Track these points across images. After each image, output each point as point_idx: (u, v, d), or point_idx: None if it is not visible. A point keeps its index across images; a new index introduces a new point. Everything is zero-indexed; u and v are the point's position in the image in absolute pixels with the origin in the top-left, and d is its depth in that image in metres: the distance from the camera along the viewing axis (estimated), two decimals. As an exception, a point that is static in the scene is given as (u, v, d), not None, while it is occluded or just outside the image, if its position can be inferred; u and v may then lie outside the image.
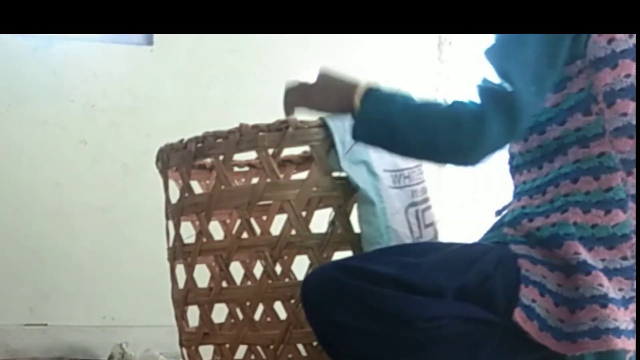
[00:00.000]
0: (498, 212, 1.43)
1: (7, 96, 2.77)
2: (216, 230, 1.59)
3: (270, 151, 1.43)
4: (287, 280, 1.45)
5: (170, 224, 1.64)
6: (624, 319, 1.18)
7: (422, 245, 1.39)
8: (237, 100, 2.91)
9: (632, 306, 1.20)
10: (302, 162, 1.72)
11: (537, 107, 1.24)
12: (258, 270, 1.51)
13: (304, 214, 1.42)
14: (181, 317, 1.65)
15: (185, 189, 1.57)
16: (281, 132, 1.42)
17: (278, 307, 1.54)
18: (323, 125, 1.41)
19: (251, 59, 2.99)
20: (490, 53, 1.23)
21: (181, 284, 1.62)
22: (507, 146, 1.35)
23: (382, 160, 1.42)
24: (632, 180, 1.24)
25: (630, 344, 1.18)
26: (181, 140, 1.56)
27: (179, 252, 1.60)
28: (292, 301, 1.41)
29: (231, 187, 1.49)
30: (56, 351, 2.70)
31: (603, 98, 1.23)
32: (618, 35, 1.24)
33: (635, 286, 1.20)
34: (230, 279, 1.50)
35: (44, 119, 2.79)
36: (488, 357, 1.23)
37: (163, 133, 2.87)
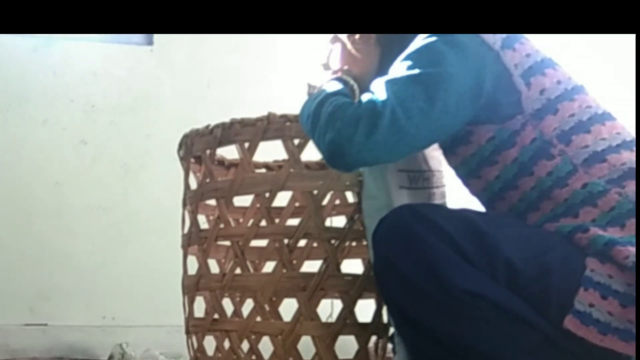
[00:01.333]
0: None
1: (7, 96, 2.77)
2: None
3: (296, 141, 1.45)
4: (301, 271, 1.46)
5: (187, 211, 1.65)
6: None
7: (503, 219, 1.37)
8: (237, 100, 2.91)
9: None
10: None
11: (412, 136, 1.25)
12: (268, 265, 1.53)
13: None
14: (191, 303, 1.64)
15: (207, 174, 1.57)
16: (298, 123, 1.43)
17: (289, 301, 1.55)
18: None
19: (251, 59, 2.99)
20: (390, 82, 1.28)
21: (192, 270, 1.63)
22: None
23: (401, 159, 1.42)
24: (630, 188, 1.25)
25: None
26: (207, 126, 1.57)
27: (194, 238, 1.60)
28: (305, 292, 1.42)
29: (254, 174, 1.50)
30: (56, 351, 2.70)
31: (558, 140, 1.29)
32: (547, 85, 1.30)
33: None
34: (244, 266, 1.50)
35: (44, 119, 2.79)
36: (516, 356, 1.21)
37: (163, 133, 2.89)
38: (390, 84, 1.27)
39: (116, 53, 2.89)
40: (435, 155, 1.49)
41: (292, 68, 3.02)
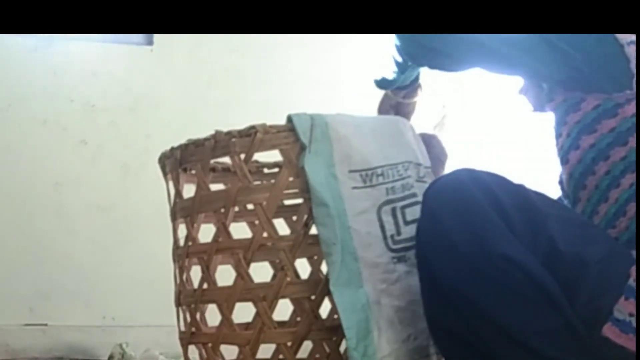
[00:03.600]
0: None
1: (7, 96, 2.77)
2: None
3: (242, 156, 1.46)
4: (257, 281, 1.48)
5: (172, 226, 1.70)
6: None
7: (558, 203, 1.39)
8: (237, 100, 2.91)
9: None
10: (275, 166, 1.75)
11: None
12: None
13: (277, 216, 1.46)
14: (177, 316, 1.70)
15: (177, 194, 1.63)
16: (250, 137, 1.45)
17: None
18: (292, 128, 1.43)
19: (251, 59, 2.99)
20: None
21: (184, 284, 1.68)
22: (578, 203, 1.41)
23: (348, 160, 1.42)
24: None
25: None
26: (171, 148, 1.61)
27: (174, 255, 1.68)
28: (265, 302, 1.44)
29: (209, 192, 1.53)
30: (56, 351, 2.71)
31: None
32: None
33: None
34: (211, 280, 1.54)
35: (44, 119, 2.79)
36: (539, 336, 1.19)
37: (163, 133, 2.89)
38: None
39: (116, 53, 2.89)
40: (403, 147, 1.48)
41: (292, 68, 3.02)
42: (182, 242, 1.64)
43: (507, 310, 1.20)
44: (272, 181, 1.46)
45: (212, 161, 1.54)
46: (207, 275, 1.55)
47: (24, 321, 2.72)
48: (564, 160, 1.43)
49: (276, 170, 1.66)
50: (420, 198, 1.45)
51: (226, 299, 1.49)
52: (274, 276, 1.54)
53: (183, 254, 1.62)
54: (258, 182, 1.68)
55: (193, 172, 1.58)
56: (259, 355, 1.48)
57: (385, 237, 1.41)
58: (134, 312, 2.79)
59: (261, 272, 1.57)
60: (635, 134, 1.32)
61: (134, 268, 2.80)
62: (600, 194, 1.37)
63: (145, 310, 2.78)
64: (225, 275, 1.59)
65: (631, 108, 1.33)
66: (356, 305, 1.36)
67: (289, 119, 1.44)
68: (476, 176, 1.27)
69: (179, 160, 1.58)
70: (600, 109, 1.36)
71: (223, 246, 1.51)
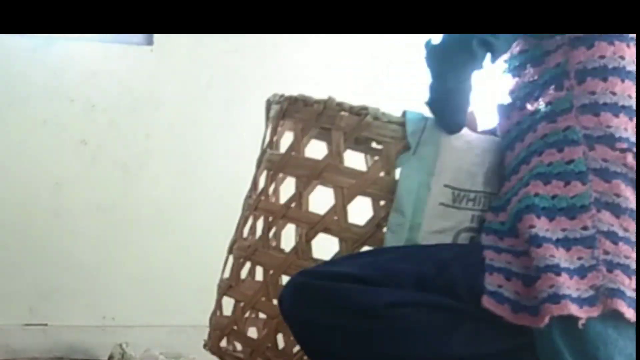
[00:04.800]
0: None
1: (7, 96, 2.77)
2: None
3: (344, 133, 1.41)
4: (310, 260, 1.45)
5: (255, 173, 1.64)
6: (576, 287, 1.20)
7: (386, 247, 1.40)
8: (237, 100, 2.91)
9: (592, 274, 1.21)
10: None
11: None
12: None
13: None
14: (224, 262, 1.69)
15: (270, 144, 1.58)
16: (360, 117, 1.39)
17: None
18: (403, 124, 1.37)
19: (251, 59, 2.99)
20: None
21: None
22: (499, 134, 1.43)
23: (447, 174, 1.36)
24: (592, 154, 1.27)
25: (583, 312, 1.18)
26: (281, 96, 1.55)
27: (245, 203, 1.63)
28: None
29: (299, 156, 1.48)
30: (56, 351, 2.70)
31: (575, 75, 1.31)
32: None
33: (592, 256, 1.22)
34: (266, 242, 1.52)
35: (44, 119, 2.79)
36: (461, 343, 1.24)
37: (163, 133, 2.90)
38: None
39: (116, 53, 2.89)
40: (494, 176, 1.41)
41: (292, 68, 3.02)
42: (255, 193, 1.59)
43: (423, 343, 1.23)
44: (364, 170, 1.41)
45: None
46: (265, 235, 1.51)
47: (24, 321, 2.72)
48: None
49: (377, 158, 1.56)
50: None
51: (274, 267, 1.47)
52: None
53: (252, 206, 1.57)
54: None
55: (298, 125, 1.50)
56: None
57: None
58: (134, 312, 2.79)
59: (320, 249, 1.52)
60: (546, 89, 1.31)
61: (134, 268, 2.80)
62: (509, 141, 1.39)
63: (145, 310, 2.78)
64: (287, 241, 1.55)
65: (557, 56, 1.32)
66: None
67: (404, 114, 1.38)
68: (309, 272, 1.31)
69: (283, 112, 1.52)
70: (528, 55, 1.37)
71: (291, 214, 1.48)
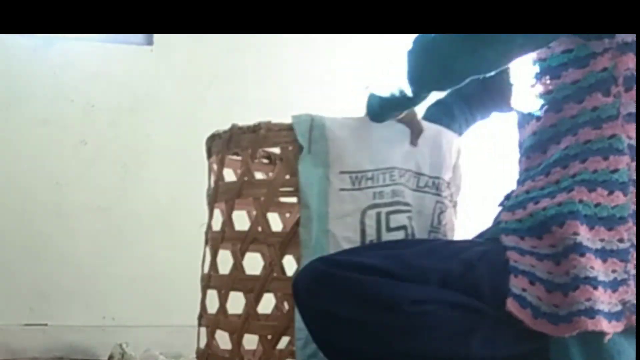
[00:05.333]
0: (501, 203, 1.44)
1: (7, 96, 2.77)
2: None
3: (249, 151, 1.53)
4: (248, 273, 1.55)
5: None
6: (608, 301, 1.19)
7: (409, 240, 1.40)
8: (237, 100, 2.91)
9: (622, 288, 1.21)
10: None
11: None
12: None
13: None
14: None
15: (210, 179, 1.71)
16: (255, 133, 1.51)
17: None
18: (292, 127, 1.46)
19: (251, 59, 2.99)
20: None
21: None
22: (519, 132, 1.39)
23: (341, 162, 1.43)
24: (634, 166, 1.26)
25: (611, 327, 1.18)
26: (219, 132, 1.66)
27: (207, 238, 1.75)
28: (252, 293, 1.50)
29: (224, 182, 1.62)
30: (56, 351, 2.71)
31: (623, 82, 1.26)
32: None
33: (625, 269, 1.21)
34: (214, 266, 1.63)
35: (44, 119, 2.79)
36: (480, 345, 1.23)
37: (163, 133, 2.90)
38: None
39: (116, 53, 2.89)
40: (404, 154, 1.48)
41: (292, 68, 3.02)
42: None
43: (442, 341, 1.22)
44: (271, 175, 1.53)
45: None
46: (213, 261, 1.63)
47: (24, 321, 2.72)
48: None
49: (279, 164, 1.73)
50: (412, 207, 1.48)
51: (223, 286, 1.58)
52: (263, 269, 1.58)
53: (206, 237, 1.71)
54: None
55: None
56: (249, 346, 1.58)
57: (363, 242, 1.42)
58: (134, 312, 2.79)
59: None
60: (591, 94, 1.27)
61: (134, 268, 2.81)
62: (538, 142, 1.35)
63: (145, 310, 2.78)
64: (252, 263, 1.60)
65: (604, 60, 1.27)
66: None
67: (292, 118, 1.46)
68: (332, 260, 1.28)
69: (208, 149, 1.67)
70: (571, 55, 1.30)
71: (228, 236, 1.58)
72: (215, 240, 1.62)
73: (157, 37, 2.91)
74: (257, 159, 1.59)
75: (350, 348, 1.26)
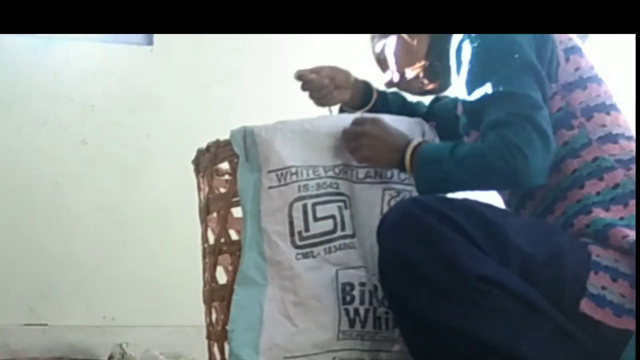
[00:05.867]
0: None
1: (7, 96, 2.77)
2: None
3: (209, 170, 1.63)
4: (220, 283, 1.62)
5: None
6: None
7: (503, 210, 1.41)
8: (237, 100, 2.91)
9: None
10: None
11: (546, 112, 1.32)
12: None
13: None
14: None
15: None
16: (210, 152, 1.60)
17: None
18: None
19: (251, 59, 2.99)
20: (478, 80, 1.34)
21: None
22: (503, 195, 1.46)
23: (267, 162, 1.51)
24: (634, 173, 1.29)
25: None
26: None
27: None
28: (224, 302, 1.54)
29: (200, 204, 1.70)
30: (56, 351, 2.70)
31: (581, 113, 1.35)
32: (582, 65, 1.37)
33: None
34: (204, 277, 1.67)
35: (44, 119, 2.79)
36: (530, 347, 1.22)
37: (163, 133, 2.90)
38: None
39: (116, 53, 2.89)
40: (332, 150, 1.54)
41: (292, 68, 3.02)
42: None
43: (493, 329, 1.22)
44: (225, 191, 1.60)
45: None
46: (203, 274, 1.67)
47: (24, 321, 2.72)
48: None
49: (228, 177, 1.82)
50: (349, 197, 1.52)
51: (208, 297, 1.64)
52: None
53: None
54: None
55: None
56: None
57: (292, 234, 1.49)
58: (134, 312, 2.79)
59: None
60: (555, 132, 1.32)
61: (134, 268, 2.80)
62: (526, 191, 1.40)
63: (145, 310, 2.78)
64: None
65: (557, 102, 1.35)
66: (251, 302, 1.46)
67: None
68: (424, 203, 1.29)
69: (195, 164, 1.72)
70: None
71: (207, 250, 1.66)
72: (207, 256, 1.66)
73: (157, 37, 2.91)
74: (220, 175, 1.67)
75: (405, 293, 1.27)
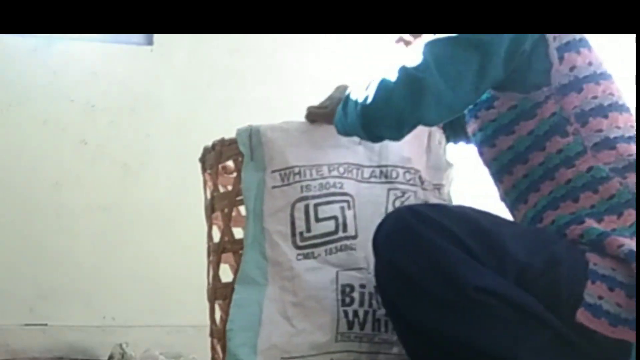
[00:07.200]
0: None
1: (7, 96, 2.77)
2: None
3: (215, 168, 1.64)
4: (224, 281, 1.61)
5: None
6: None
7: (499, 217, 1.39)
8: (237, 100, 2.91)
9: None
10: None
11: (451, 99, 1.29)
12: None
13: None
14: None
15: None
16: (215, 150, 1.61)
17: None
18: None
19: (251, 59, 2.99)
20: (429, 45, 1.31)
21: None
22: (498, 187, 1.44)
23: (271, 162, 1.52)
24: (631, 180, 1.27)
25: None
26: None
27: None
28: (226, 300, 1.54)
29: (206, 202, 1.71)
30: (56, 351, 2.70)
31: (575, 119, 1.31)
32: (578, 64, 1.32)
33: None
34: (208, 278, 1.67)
35: (44, 119, 2.79)
36: (529, 355, 1.21)
37: (163, 133, 2.90)
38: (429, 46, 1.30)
39: (116, 53, 2.89)
40: (337, 149, 1.55)
41: (292, 68, 3.02)
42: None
43: (492, 338, 1.21)
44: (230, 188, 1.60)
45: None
46: (208, 272, 1.66)
47: (24, 321, 2.72)
48: (480, 152, 1.46)
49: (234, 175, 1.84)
50: (354, 197, 1.52)
51: (211, 295, 1.63)
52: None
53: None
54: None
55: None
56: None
57: (293, 234, 1.50)
58: (134, 312, 2.79)
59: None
60: (549, 139, 1.31)
61: (134, 268, 2.80)
62: (518, 194, 1.38)
63: (145, 310, 2.78)
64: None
65: (550, 106, 1.32)
66: (251, 301, 1.46)
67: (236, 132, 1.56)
68: (419, 213, 1.27)
69: (202, 162, 1.73)
70: (517, 110, 1.35)
71: (211, 248, 1.65)
72: (212, 254, 1.66)
73: (157, 37, 2.91)
74: (228, 173, 1.67)
75: (402, 304, 1.26)
